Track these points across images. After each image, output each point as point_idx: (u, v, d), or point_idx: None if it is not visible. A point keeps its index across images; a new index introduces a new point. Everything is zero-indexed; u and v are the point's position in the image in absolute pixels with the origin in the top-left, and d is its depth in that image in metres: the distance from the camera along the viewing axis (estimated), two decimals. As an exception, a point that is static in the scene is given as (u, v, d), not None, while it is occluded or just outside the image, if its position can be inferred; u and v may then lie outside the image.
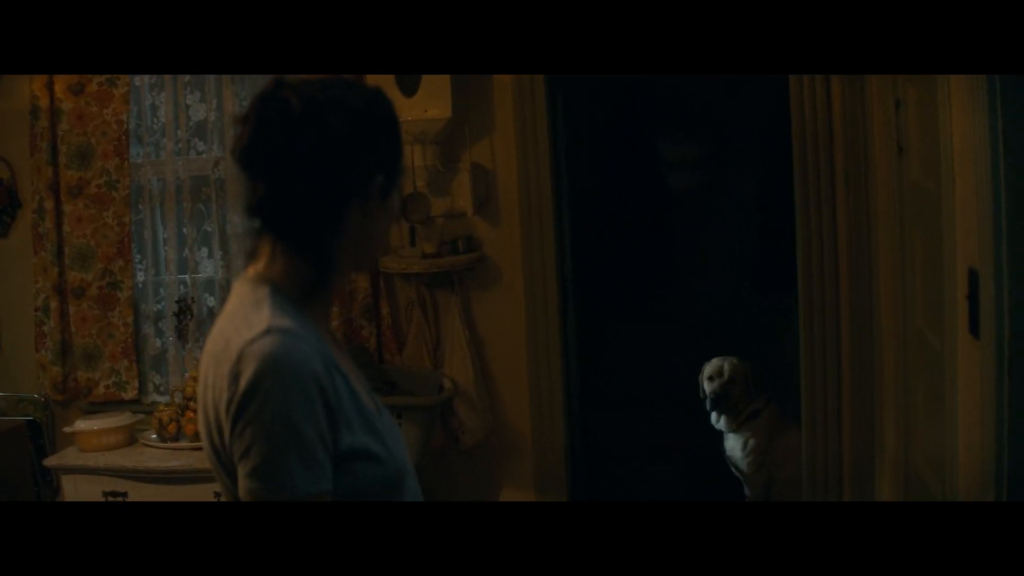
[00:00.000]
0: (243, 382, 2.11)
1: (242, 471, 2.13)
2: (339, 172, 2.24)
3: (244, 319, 2.21)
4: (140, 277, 6.39)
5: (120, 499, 5.64)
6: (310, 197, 2.23)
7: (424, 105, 5.54)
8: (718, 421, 6.18)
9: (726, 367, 6.14)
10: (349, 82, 2.37)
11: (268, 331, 2.14)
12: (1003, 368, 2.90)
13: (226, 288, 6.24)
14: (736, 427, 6.12)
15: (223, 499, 2.32)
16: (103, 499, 5.66)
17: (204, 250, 6.37)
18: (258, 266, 2.31)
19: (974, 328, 3.16)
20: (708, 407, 6.16)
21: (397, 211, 2.45)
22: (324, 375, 2.15)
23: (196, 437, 5.76)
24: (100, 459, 5.76)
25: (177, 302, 6.28)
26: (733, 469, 6.21)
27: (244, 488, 2.13)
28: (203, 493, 5.52)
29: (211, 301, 6.35)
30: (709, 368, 6.19)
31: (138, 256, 6.37)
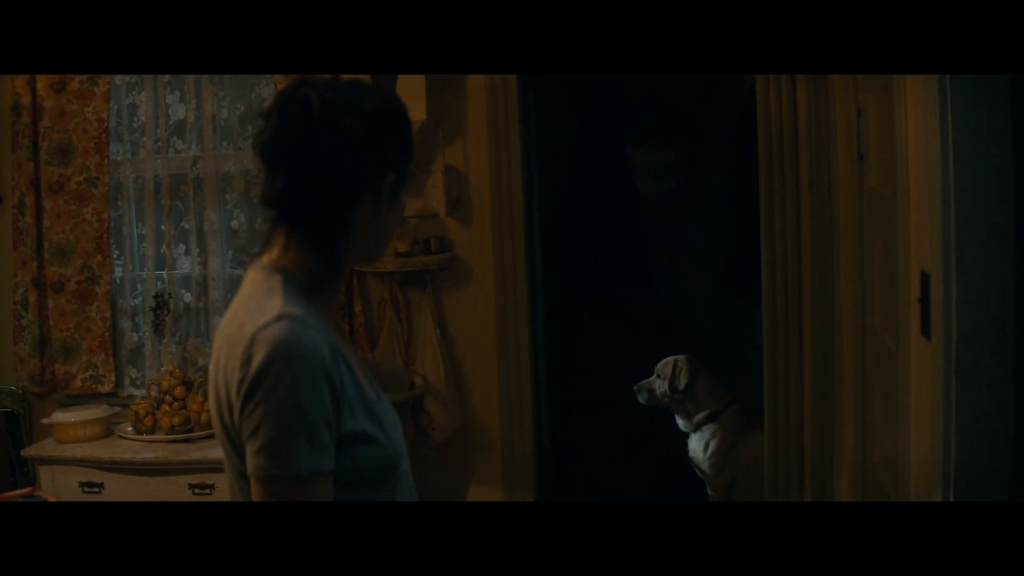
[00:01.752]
0: (255, 364, 2.20)
1: (250, 449, 2.22)
2: (354, 170, 2.34)
3: (258, 305, 2.30)
4: (118, 272, 6.47)
5: (96, 490, 5.71)
6: (325, 192, 2.33)
7: (399, 107, 5.59)
8: (680, 421, 6.29)
9: (661, 367, 6.28)
10: (367, 84, 2.47)
11: (280, 317, 2.24)
12: (951, 369, 2.97)
13: (202, 284, 6.33)
14: (694, 428, 6.21)
15: (226, 474, 2.41)
16: (79, 489, 5.72)
17: (181, 247, 6.45)
18: (272, 255, 2.41)
19: (925, 330, 3.24)
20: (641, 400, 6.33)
21: (403, 212, 2.55)
22: (331, 361, 2.24)
23: (172, 430, 5.84)
24: (77, 450, 5.81)
25: (154, 297, 6.34)
26: (696, 470, 6.28)
27: (252, 465, 2.23)
28: (178, 485, 5.60)
29: (188, 297, 6.43)
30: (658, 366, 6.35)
31: (116, 252, 6.45)
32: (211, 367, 2.39)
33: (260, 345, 2.22)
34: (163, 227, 6.42)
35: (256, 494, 2.24)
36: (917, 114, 3.26)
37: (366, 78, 5.58)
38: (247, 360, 2.22)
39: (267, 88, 6.17)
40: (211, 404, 2.38)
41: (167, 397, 5.97)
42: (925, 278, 3.21)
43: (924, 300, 3.24)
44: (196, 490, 5.60)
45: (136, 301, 6.51)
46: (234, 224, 6.33)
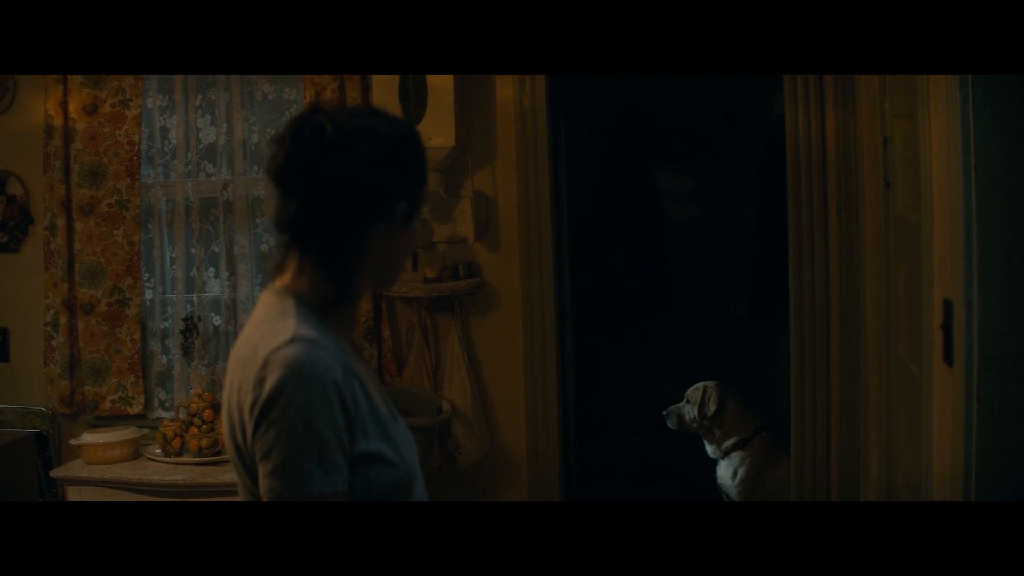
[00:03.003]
0: (268, 386, 2.22)
1: (263, 470, 2.24)
2: (366, 196, 2.36)
3: (271, 328, 2.32)
4: (148, 295, 6.51)
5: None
6: (337, 218, 2.35)
7: (428, 134, 5.63)
8: (708, 447, 6.30)
9: (690, 393, 6.29)
10: (379, 111, 2.49)
11: (293, 340, 2.26)
12: (972, 395, 2.98)
13: (232, 307, 6.36)
14: (722, 454, 6.21)
15: (239, 496, 2.43)
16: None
17: (211, 270, 6.49)
18: (285, 279, 2.43)
19: (948, 357, 3.24)
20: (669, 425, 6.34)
21: (418, 237, 2.56)
22: (343, 382, 2.26)
23: (200, 452, 5.85)
24: (105, 471, 5.82)
25: (184, 320, 6.39)
26: (724, 496, 6.28)
27: (265, 486, 2.24)
28: (205, 507, 5.61)
29: (217, 320, 6.46)
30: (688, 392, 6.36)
31: (147, 274, 6.49)
32: (225, 390, 2.41)
33: (273, 367, 2.24)
34: (193, 250, 6.46)
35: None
36: (941, 141, 3.27)
37: (393, 89, 5.67)
38: (260, 382, 2.24)
39: (297, 112, 6.19)
40: (224, 426, 2.41)
41: (195, 419, 5.98)
42: (948, 305, 3.22)
43: (947, 327, 3.25)
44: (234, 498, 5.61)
45: (166, 324, 6.55)
46: (264, 248, 6.34)
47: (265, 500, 2.25)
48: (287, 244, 2.44)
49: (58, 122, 6.27)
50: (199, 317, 6.40)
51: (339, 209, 2.35)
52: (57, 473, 5.96)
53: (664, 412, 6.39)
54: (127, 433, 6.04)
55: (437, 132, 5.69)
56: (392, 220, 2.41)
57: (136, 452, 6.04)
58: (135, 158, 6.30)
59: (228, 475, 5.66)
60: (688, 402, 6.31)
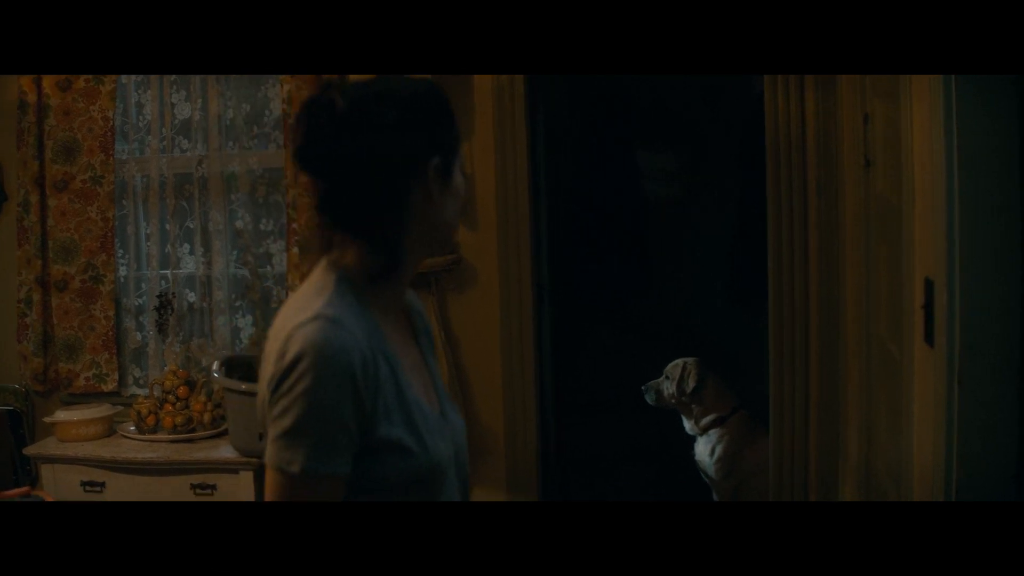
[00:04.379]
0: (285, 361, 2.23)
1: (268, 436, 2.26)
2: (392, 160, 2.34)
3: (303, 304, 2.32)
4: (122, 272, 6.47)
5: (98, 489, 5.70)
6: (367, 190, 2.34)
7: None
8: (686, 424, 6.30)
9: (669, 369, 6.29)
10: (393, 76, 2.49)
11: (316, 317, 2.26)
12: (953, 376, 2.96)
13: (207, 284, 6.32)
14: (700, 431, 6.21)
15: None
16: (81, 488, 5.72)
17: (186, 246, 6.44)
18: (332, 255, 2.42)
19: (929, 337, 3.22)
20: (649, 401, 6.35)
21: (463, 190, 2.53)
22: (361, 366, 2.25)
23: (174, 430, 5.84)
24: (79, 449, 5.82)
25: (158, 297, 6.35)
26: (702, 475, 6.28)
27: (266, 453, 2.27)
28: (180, 485, 5.60)
29: (192, 296, 6.42)
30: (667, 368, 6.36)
31: (121, 251, 6.44)
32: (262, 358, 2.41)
33: (294, 343, 2.24)
34: (168, 226, 6.41)
35: (266, 481, 2.28)
36: (923, 121, 3.25)
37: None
38: (281, 356, 2.25)
39: (273, 88, 6.16)
40: (258, 394, 2.39)
41: (170, 397, 5.96)
42: (929, 285, 3.20)
43: (928, 307, 3.23)
44: (198, 490, 5.59)
45: (140, 300, 6.51)
46: (239, 224, 6.32)
47: (266, 464, 2.27)
48: (329, 223, 2.42)
49: (32, 98, 6.20)
50: (173, 293, 6.36)
51: (367, 181, 2.34)
52: (31, 451, 5.94)
53: (643, 387, 6.39)
54: (101, 410, 6.03)
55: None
56: (427, 179, 2.38)
57: (110, 429, 6.04)
58: (109, 134, 6.25)
59: (203, 452, 5.66)
60: (667, 378, 6.32)
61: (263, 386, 2.32)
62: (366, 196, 2.34)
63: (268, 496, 2.27)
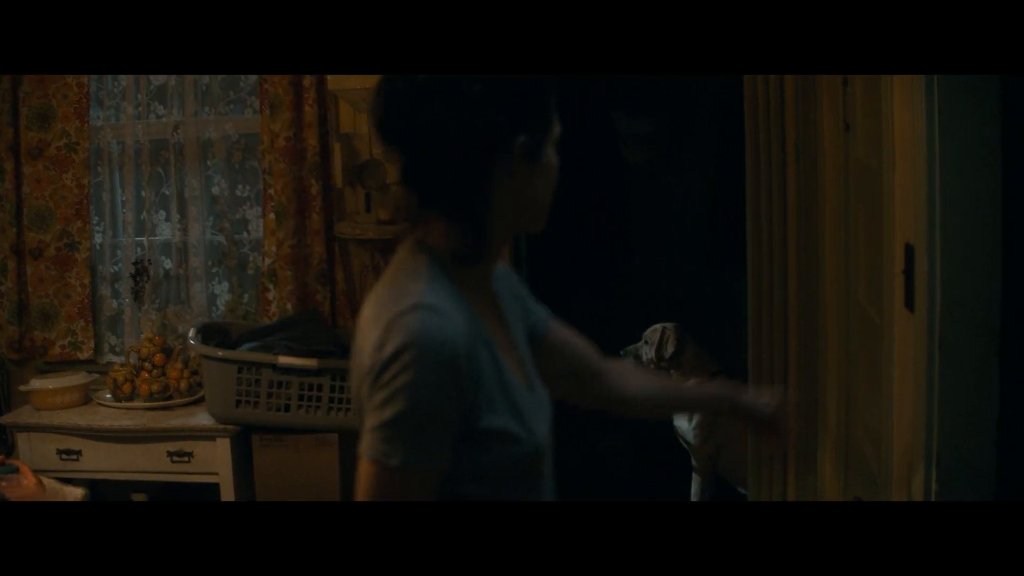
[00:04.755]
0: (385, 351, 2.16)
1: (366, 425, 2.20)
2: (474, 138, 2.25)
3: (401, 288, 2.26)
4: (98, 239, 6.44)
5: (74, 457, 5.69)
6: (448, 166, 2.26)
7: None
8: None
9: (648, 333, 6.28)
10: None
11: (417, 306, 2.18)
12: (934, 342, 2.96)
13: (183, 251, 6.30)
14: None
15: None
16: (57, 457, 5.71)
17: (162, 213, 6.41)
18: (417, 233, 2.36)
19: (909, 303, 3.22)
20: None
21: (556, 171, 2.46)
22: (465, 356, 2.19)
23: (150, 397, 5.82)
24: (55, 417, 5.80)
25: (134, 264, 6.32)
26: (681, 440, 6.28)
27: (363, 442, 2.20)
28: (156, 452, 5.61)
29: (168, 263, 6.39)
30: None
31: (96, 218, 6.41)
32: (355, 342, 2.36)
33: (394, 333, 2.17)
34: (143, 193, 6.37)
35: (360, 471, 2.22)
36: (903, 84, 3.23)
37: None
38: (380, 346, 2.18)
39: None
40: (352, 380, 2.35)
41: (146, 364, 5.94)
42: (909, 250, 3.19)
43: (908, 272, 3.22)
44: (174, 458, 5.59)
45: (116, 267, 6.47)
46: (215, 190, 6.29)
47: (361, 454, 2.21)
48: (413, 199, 2.37)
49: (5, 64, 6.15)
50: (149, 260, 6.34)
51: (448, 157, 2.26)
52: (6, 420, 5.92)
53: (621, 352, 6.38)
54: (77, 378, 6.01)
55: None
56: (513, 157, 2.30)
57: (86, 397, 6.01)
58: (84, 100, 6.21)
59: (179, 420, 5.67)
60: (646, 343, 6.31)
61: (360, 374, 2.26)
62: (447, 171, 2.27)
63: (362, 486, 2.21)
